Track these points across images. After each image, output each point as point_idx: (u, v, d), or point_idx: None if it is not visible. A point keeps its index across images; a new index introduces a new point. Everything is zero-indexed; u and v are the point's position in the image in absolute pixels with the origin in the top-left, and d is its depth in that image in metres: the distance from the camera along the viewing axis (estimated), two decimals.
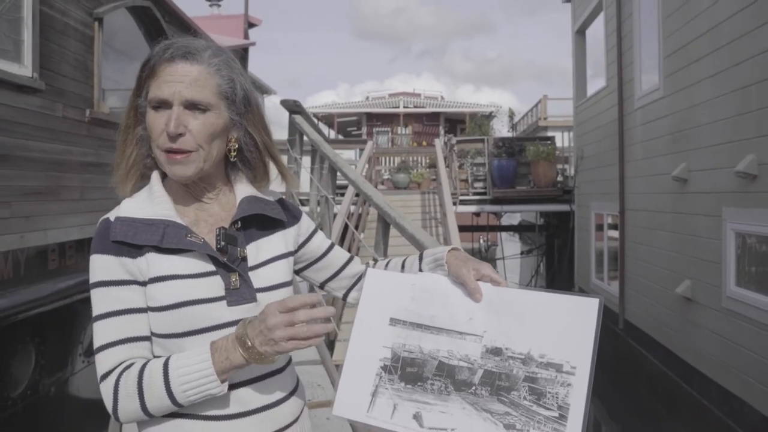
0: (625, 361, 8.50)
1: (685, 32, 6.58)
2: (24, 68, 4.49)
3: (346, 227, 6.73)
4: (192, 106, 1.20)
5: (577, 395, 1.11)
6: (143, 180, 1.30)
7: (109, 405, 1.15)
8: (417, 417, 1.18)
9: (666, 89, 7.14)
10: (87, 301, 4.60)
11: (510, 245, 21.75)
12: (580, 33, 11.57)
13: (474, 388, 1.18)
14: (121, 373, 1.14)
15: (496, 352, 1.19)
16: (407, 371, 1.23)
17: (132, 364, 1.16)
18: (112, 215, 1.24)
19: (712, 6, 5.95)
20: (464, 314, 1.25)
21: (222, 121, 1.24)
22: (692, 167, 6.43)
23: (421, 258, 1.42)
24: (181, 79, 1.19)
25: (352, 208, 8.96)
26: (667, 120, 7.11)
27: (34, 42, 4.56)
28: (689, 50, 6.48)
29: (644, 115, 7.92)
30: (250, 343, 1.09)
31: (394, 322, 1.29)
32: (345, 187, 8.42)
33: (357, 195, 9.20)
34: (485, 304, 1.24)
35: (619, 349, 8.73)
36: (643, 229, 8.02)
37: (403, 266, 1.46)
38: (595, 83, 10.92)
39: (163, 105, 1.19)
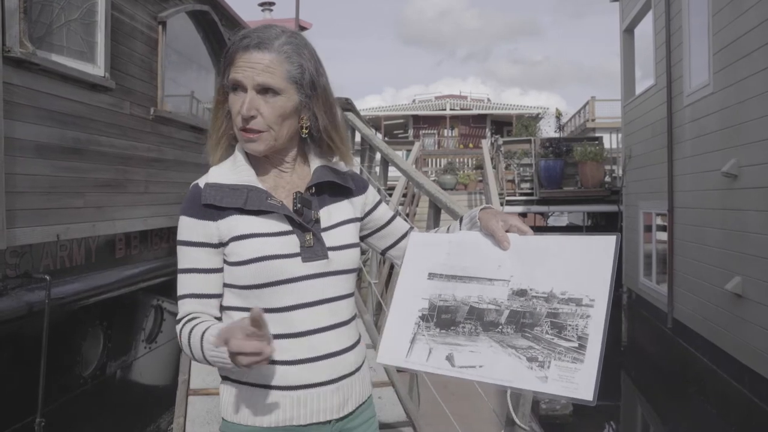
0: (674, 360, 8.43)
1: (735, 27, 6.54)
2: (97, 68, 4.82)
3: None
4: (264, 90, 1.32)
5: (595, 325, 1.18)
6: (229, 150, 1.45)
7: (180, 346, 1.36)
8: (449, 358, 1.28)
9: (716, 85, 7.09)
10: (149, 290, 4.88)
11: None
12: (629, 32, 11.50)
13: (500, 327, 1.26)
14: (184, 325, 1.34)
15: (521, 293, 1.28)
16: (442, 318, 1.33)
17: (192, 319, 1.34)
18: (201, 182, 1.39)
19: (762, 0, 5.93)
20: (493, 262, 1.34)
21: (292, 104, 1.35)
22: (743, 163, 6.38)
23: (461, 221, 1.54)
24: (254, 66, 1.31)
25: (400, 208, 9.13)
26: (717, 116, 7.06)
27: (106, 44, 4.88)
28: (739, 45, 6.44)
29: (693, 111, 7.87)
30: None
31: (431, 276, 1.40)
32: (392, 188, 8.61)
33: (404, 195, 9.37)
34: (512, 251, 1.33)
35: (668, 348, 8.66)
36: (692, 226, 7.95)
37: (448, 231, 1.58)
38: (643, 85, 10.85)
39: (239, 88, 1.33)
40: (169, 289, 5.91)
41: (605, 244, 1.25)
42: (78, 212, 4.59)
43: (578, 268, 1.25)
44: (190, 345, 1.30)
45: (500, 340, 1.25)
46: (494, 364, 1.23)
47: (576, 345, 1.18)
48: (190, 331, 1.31)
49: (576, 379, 1.15)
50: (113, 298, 5.08)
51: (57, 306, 4.15)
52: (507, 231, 1.36)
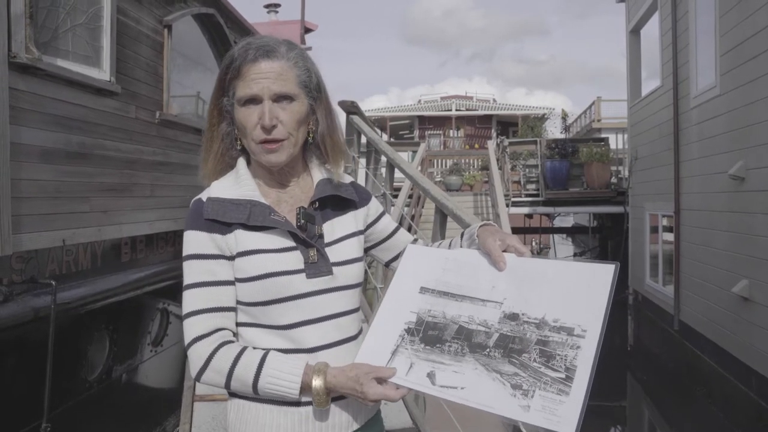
0: (680, 362, 8.40)
1: (742, 29, 6.50)
2: (103, 72, 4.82)
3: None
4: (280, 98, 1.31)
5: (584, 357, 1.14)
6: (228, 170, 1.42)
7: (195, 367, 1.28)
8: (430, 375, 1.24)
9: (723, 87, 7.06)
10: (155, 294, 4.84)
11: (562, 248, 21.56)
12: (635, 33, 11.45)
13: (488, 350, 1.22)
14: (219, 347, 1.28)
15: (513, 317, 1.24)
16: (428, 334, 1.30)
17: (230, 343, 1.30)
18: (203, 196, 1.37)
19: None
20: (488, 283, 1.31)
21: (305, 108, 1.35)
22: (750, 165, 6.34)
23: (462, 236, 1.52)
24: (267, 75, 1.30)
25: (405, 210, 9.11)
26: (724, 118, 7.02)
27: (111, 48, 4.88)
28: (747, 47, 6.40)
29: (700, 113, 7.84)
30: (328, 392, 1.27)
31: (424, 290, 1.37)
32: (398, 190, 8.61)
33: (410, 197, 9.36)
34: (508, 272, 1.30)
35: (674, 350, 8.63)
36: (699, 228, 7.92)
37: (449, 246, 1.55)
38: (649, 85, 10.81)
39: (253, 101, 1.31)
40: (175, 293, 5.91)
41: (603, 273, 1.22)
42: (84, 217, 4.60)
43: (573, 296, 1.22)
44: (233, 370, 1.26)
45: (486, 364, 1.22)
46: (477, 387, 1.20)
47: (563, 376, 1.14)
48: (238, 356, 1.27)
49: (559, 412, 1.11)
50: (119, 302, 5.08)
51: (63, 311, 4.15)
52: (504, 251, 1.34)
